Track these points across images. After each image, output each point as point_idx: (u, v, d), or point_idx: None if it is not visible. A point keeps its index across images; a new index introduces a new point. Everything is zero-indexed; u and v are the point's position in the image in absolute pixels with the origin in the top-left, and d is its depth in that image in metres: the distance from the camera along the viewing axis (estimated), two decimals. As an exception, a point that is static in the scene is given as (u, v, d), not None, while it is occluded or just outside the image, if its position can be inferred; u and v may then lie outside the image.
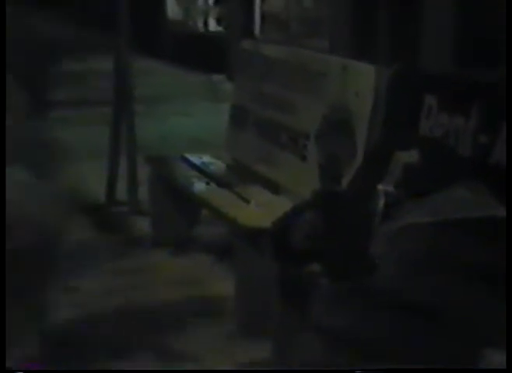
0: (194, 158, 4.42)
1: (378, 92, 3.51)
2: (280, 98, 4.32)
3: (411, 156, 2.63)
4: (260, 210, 3.50)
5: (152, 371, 3.02)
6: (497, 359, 2.19)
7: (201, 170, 4.23)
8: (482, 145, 2.84)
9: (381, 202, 2.41)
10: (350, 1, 7.34)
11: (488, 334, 2.28)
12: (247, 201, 3.65)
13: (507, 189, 2.56)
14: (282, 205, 3.28)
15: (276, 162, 3.99)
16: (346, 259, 2.47)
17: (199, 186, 3.98)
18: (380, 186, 2.51)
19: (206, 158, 4.44)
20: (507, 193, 2.54)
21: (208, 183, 4.00)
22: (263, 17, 9.55)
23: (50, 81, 2.59)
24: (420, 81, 3.36)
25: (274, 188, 3.82)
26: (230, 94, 5.13)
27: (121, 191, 4.93)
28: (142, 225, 4.48)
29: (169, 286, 3.75)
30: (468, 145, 2.91)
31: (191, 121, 7.10)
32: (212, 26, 10.68)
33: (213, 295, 3.67)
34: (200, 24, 10.87)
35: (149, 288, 3.75)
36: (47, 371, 2.54)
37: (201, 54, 9.68)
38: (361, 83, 3.65)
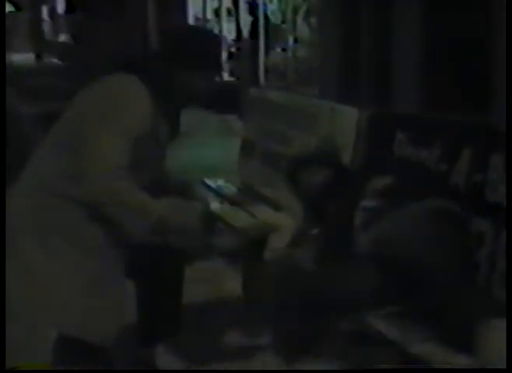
0: (211, 182, 4.42)
1: (359, 129, 3.52)
2: (280, 133, 4.33)
3: (386, 179, 2.62)
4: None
5: (154, 371, 2.71)
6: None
7: (216, 192, 4.23)
8: (443, 172, 2.84)
9: (363, 215, 2.40)
10: (337, 56, 7.35)
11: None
12: (254, 216, 3.65)
13: (507, 189, 2.52)
14: (282, 220, 3.30)
15: (277, 185, 3.99)
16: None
17: (215, 204, 3.98)
18: (363, 202, 2.49)
19: (220, 182, 4.44)
20: (507, 193, 2.50)
21: (222, 202, 4.00)
22: (266, 69, 9.60)
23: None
24: (393, 121, 3.37)
25: (275, 206, 3.82)
26: (240, 130, 5.14)
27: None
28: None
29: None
30: (433, 172, 2.91)
31: (208, 152, 7.10)
32: (226, 76, 10.75)
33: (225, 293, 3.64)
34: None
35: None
36: (46, 371, 2.21)
37: (218, 98, 9.69)
38: (346, 122, 3.65)
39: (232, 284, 3.64)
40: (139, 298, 2.67)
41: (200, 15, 12.34)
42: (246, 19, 10.04)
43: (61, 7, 18.94)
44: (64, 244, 2.24)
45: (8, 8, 20.59)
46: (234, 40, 10.54)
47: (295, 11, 8.80)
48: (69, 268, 2.24)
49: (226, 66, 10.86)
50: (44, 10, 20.43)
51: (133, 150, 2.18)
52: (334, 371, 2.30)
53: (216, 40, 2.63)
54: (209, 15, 11.38)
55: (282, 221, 3.31)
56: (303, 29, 8.67)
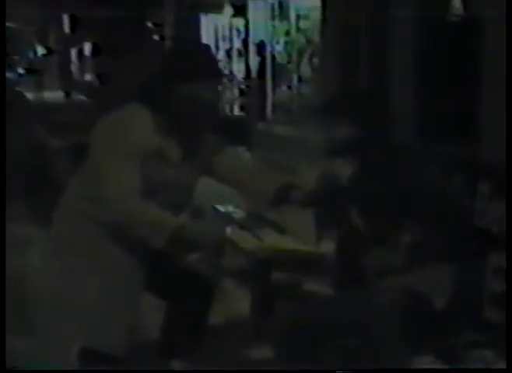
0: (221, 208, 4.41)
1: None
2: (285, 163, 4.33)
3: None
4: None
5: (156, 371, 2.65)
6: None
7: (226, 216, 4.23)
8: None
9: None
10: (337, 93, 7.37)
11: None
12: (261, 240, 3.64)
13: (507, 190, 2.46)
14: (286, 243, 3.28)
15: (282, 210, 3.98)
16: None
17: (227, 228, 3.97)
18: None
19: (230, 208, 4.43)
20: (507, 193, 2.44)
21: (231, 227, 3.99)
22: (273, 105, 9.66)
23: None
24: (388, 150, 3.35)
25: (281, 230, 3.81)
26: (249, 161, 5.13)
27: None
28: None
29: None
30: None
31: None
32: (237, 111, 10.83)
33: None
34: (228, 110, 11.04)
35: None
36: (47, 371, 2.17)
37: (228, 131, 9.74)
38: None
39: (242, 304, 3.62)
40: (166, 313, 2.62)
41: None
42: (255, 60, 10.12)
43: (87, 50, 19.19)
44: (86, 261, 2.25)
45: (41, 51, 20.85)
46: (244, 79, 10.63)
47: (299, 52, 8.88)
48: (90, 283, 2.24)
49: (236, 102, 10.96)
50: (73, 53, 20.69)
51: (143, 171, 2.19)
52: (334, 371, 2.23)
53: (207, 49, 2.56)
54: (221, 56, 11.47)
55: (287, 245, 3.30)
56: (306, 69, 8.74)
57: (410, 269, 2.26)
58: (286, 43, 9.21)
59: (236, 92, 10.86)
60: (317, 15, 8.10)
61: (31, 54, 23.64)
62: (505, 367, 1.96)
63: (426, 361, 2.15)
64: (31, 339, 2.17)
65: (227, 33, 11.56)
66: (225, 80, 9.04)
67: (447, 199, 2.32)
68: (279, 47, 9.44)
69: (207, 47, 2.68)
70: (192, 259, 2.47)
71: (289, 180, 2.53)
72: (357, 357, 2.19)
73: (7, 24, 20.13)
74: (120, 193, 2.13)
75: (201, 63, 2.30)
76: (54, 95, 17.18)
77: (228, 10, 11.48)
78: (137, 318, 2.37)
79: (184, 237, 2.19)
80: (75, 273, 2.25)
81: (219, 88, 2.42)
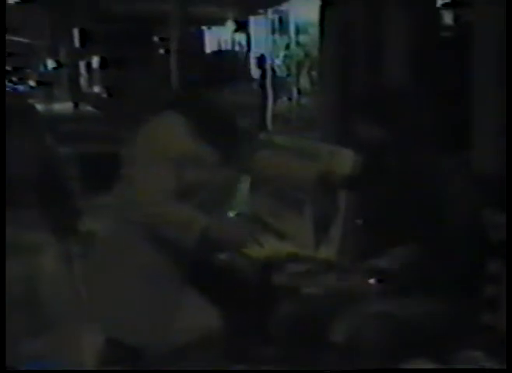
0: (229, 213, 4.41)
1: (355, 169, 3.52)
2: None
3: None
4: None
5: (154, 371, 2.56)
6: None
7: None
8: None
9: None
10: (334, 104, 7.40)
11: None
12: (261, 244, 3.62)
13: (507, 189, 2.44)
14: (285, 248, 3.28)
15: (282, 216, 3.99)
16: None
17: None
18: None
19: (232, 214, 4.43)
20: (507, 193, 2.41)
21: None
22: (274, 116, 9.69)
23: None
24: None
25: (281, 236, 3.80)
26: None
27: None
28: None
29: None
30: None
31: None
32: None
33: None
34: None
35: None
36: (46, 371, 2.12)
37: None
38: (343, 163, 3.65)
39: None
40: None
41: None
42: (255, 72, 10.16)
43: (96, 63, 19.24)
44: (124, 260, 2.28)
45: (52, 64, 20.92)
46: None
47: (298, 65, 8.91)
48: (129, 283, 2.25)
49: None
50: (82, 66, 20.74)
51: (179, 174, 2.21)
52: (332, 371, 2.20)
53: (237, 55, 2.60)
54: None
55: (287, 250, 3.30)
56: (305, 82, 8.76)
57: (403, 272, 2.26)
58: (286, 56, 9.25)
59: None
60: (315, 30, 8.14)
61: (42, 68, 23.71)
62: (496, 367, 1.94)
63: (417, 362, 2.14)
64: (45, 339, 2.18)
65: (229, 46, 11.59)
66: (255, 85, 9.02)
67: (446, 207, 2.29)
68: (279, 61, 9.47)
69: (235, 53, 2.75)
70: (222, 259, 2.46)
71: (324, 168, 2.57)
72: (353, 358, 2.18)
73: (19, 39, 20.18)
74: (152, 196, 2.17)
75: (235, 70, 2.31)
76: (63, 106, 17.22)
77: (230, 25, 11.53)
78: (173, 317, 2.36)
79: (211, 237, 2.21)
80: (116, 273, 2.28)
81: (252, 91, 2.43)
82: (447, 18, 5.83)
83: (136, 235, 2.29)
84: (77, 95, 19.01)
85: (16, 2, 12.47)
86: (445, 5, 5.74)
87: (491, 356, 2.18)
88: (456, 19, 5.71)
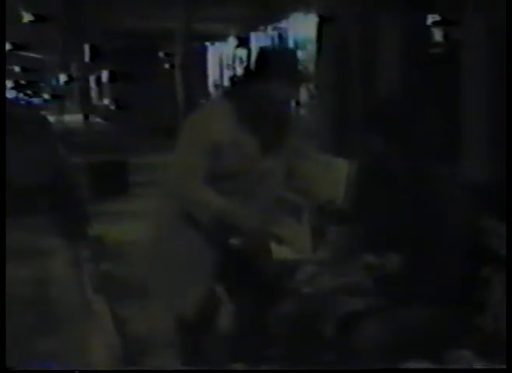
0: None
1: (350, 176, 3.51)
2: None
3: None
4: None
5: (154, 371, 2.55)
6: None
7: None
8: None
9: None
10: (331, 116, 7.42)
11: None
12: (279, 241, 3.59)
13: (507, 189, 2.39)
14: (283, 252, 3.25)
15: (281, 223, 3.97)
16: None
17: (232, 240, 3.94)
18: None
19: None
20: (507, 192, 2.37)
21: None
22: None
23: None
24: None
25: (279, 241, 3.78)
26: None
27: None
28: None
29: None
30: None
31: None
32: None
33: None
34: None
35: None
36: (47, 371, 2.07)
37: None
38: (339, 171, 3.65)
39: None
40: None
41: (218, 82, 12.47)
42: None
43: (105, 77, 19.29)
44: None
45: (64, 78, 20.94)
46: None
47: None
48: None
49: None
50: (92, 80, 20.79)
51: (215, 158, 2.18)
52: (332, 371, 2.16)
53: (293, 52, 2.56)
54: (226, 81, 11.52)
55: (285, 254, 3.27)
56: (303, 94, 8.79)
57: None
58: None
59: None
60: (313, 46, 8.15)
61: (55, 82, 23.75)
62: (505, 367, 1.89)
63: (411, 361, 2.12)
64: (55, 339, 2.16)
65: (231, 61, 11.61)
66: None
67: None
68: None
69: (292, 51, 2.73)
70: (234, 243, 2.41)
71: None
72: (352, 357, 2.15)
73: (33, 55, 20.23)
74: (184, 178, 2.20)
75: (286, 65, 2.27)
76: (74, 118, 17.26)
77: (232, 41, 11.55)
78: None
79: (225, 220, 2.20)
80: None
81: (297, 87, 2.39)
82: (437, 35, 5.84)
83: (174, 213, 2.30)
84: (87, 108, 19.04)
85: (30, 21, 12.58)
86: (435, 23, 5.75)
87: (480, 356, 2.17)
88: (445, 36, 5.73)
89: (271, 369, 2.34)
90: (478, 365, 2.10)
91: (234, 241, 2.34)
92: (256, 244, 2.34)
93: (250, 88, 2.26)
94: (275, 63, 2.26)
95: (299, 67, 2.41)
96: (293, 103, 8.98)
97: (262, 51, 2.38)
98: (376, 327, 2.10)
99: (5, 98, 2.60)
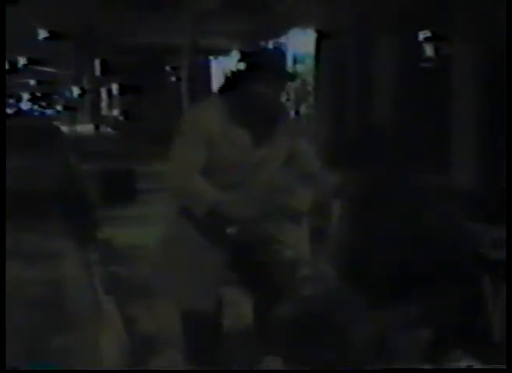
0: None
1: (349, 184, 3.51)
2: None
3: None
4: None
5: (154, 371, 2.49)
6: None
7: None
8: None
9: None
10: (328, 127, 7.44)
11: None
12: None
13: (507, 189, 2.37)
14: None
15: (281, 225, 3.97)
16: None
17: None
18: None
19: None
20: (507, 193, 2.35)
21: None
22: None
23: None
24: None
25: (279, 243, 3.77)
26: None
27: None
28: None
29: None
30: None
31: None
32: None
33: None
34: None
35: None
36: (47, 371, 1.99)
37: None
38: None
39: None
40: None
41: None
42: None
43: (115, 89, 19.34)
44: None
45: (76, 91, 21.02)
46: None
47: (296, 92, 8.98)
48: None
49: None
50: (103, 92, 20.85)
51: (210, 152, 2.20)
52: (332, 371, 2.10)
53: (282, 54, 2.56)
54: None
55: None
56: (302, 106, 8.83)
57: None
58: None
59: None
60: (311, 60, 8.19)
61: (68, 94, 23.82)
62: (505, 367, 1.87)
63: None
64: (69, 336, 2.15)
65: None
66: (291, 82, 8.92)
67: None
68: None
69: (281, 52, 2.70)
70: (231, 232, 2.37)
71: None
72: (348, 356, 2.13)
73: (47, 69, 20.32)
74: (179, 170, 2.19)
75: (272, 66, 2.30)
76: (85, 128, 17.29)
77: (235, 55, 11.59)
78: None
79: (220, 212, 2.19)
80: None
81: (284, 87, 2.39)
82: (428, 50, 5.88)
83: (174, 207, 2.31)
84: (97, 118, 19.09)
85: (45, 37, 12.73)
86: (426, 39, 5.80)
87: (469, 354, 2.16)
88: (436, 51, 5.76)
89: (272, 369, 2.30)
90: (466, 361, 2.10)
91: (231, 230, 2.31)
92: (251, 233, 2.32)
93: (240, 87, 2.29)
94: (262, 64, 2.29)
95: (286, 68, 2.43)
96: (293, 114, 9.01)
97: (250, 54, 2.40)
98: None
99: (5, 99, 2.59)
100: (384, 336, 2.09)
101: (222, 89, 2.35)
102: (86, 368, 2.19)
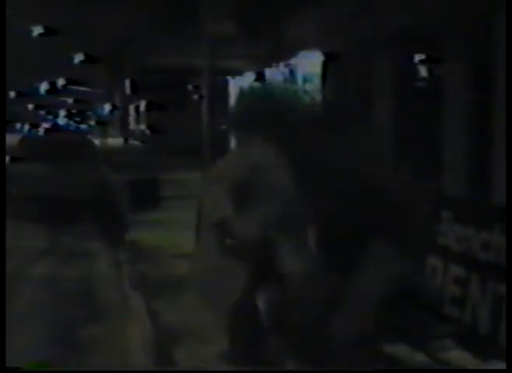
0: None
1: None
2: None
3: None
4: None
5: (153, 371, 2.37)
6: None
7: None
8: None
9: None
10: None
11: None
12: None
13: (507, 189, 2.25)
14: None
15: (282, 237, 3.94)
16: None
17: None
18: None
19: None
20: (507, 193, 2.23)
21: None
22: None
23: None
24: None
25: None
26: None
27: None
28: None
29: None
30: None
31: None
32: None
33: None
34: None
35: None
36: (46, 371, 1.90)
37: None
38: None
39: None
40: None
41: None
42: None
43: (142, 106, 19.55)
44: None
45: (108, 108, 21.23)
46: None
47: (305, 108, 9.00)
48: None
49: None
50: (131, 108, 21.06)
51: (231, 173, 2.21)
52: (333, 372, 1.97)
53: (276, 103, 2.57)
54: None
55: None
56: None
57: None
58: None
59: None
60: (318, 80, 8.23)
61: (100, 110, 24.06)
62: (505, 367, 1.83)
63: (399, 348, 2.10)
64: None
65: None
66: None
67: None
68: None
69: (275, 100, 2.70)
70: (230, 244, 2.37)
71: None
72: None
73: (83, 89, 20.55)
74: (215, 216, 2.24)
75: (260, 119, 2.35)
76: (115, 141, 17.44)
77: (250, 75, 11.67)
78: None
79: (224, 227, 2.22)
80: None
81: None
82: (423, 71, 5.90)
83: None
84: (126, 132, 19.25)
85: (81, 61, 13.02)
86: (421, 61, 5.82)
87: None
88: (430, 72, 5.78)
89: (272, 369, 2.16)
90: (456, 351, 2.08)
91: (229, 241, 2.33)
92: (251, 242, 2.31)
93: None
94: (253, 119, 2.29)
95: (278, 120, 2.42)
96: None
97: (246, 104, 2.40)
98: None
99: (5, 100, 2.59)
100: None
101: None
102: (114, 356, 2.19)
